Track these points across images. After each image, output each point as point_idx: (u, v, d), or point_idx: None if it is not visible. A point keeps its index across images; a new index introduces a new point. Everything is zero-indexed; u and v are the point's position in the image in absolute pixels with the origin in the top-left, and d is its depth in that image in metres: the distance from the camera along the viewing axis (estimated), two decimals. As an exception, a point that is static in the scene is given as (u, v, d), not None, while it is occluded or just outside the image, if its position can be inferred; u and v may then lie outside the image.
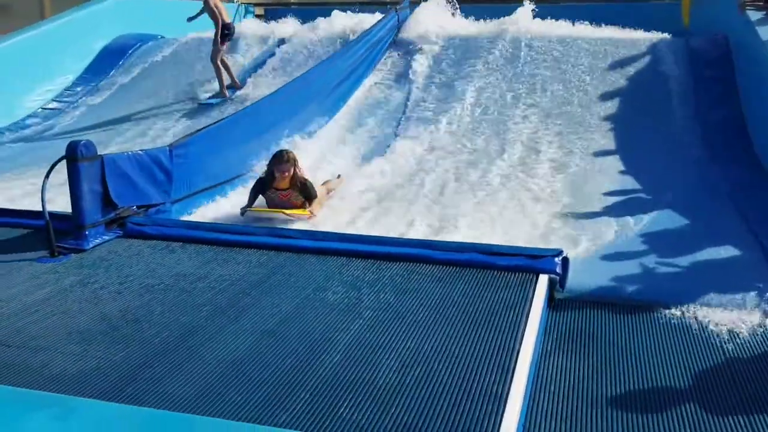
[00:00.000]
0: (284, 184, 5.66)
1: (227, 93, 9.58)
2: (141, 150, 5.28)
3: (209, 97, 9.64)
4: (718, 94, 8.00)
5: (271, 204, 5.71)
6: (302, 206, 5.69)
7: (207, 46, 10.10)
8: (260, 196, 5.77)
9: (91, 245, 4.56)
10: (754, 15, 8.13)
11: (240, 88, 9.79)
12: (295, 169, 5.65)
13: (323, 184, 6.31)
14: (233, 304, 3.60)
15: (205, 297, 3.72)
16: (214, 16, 9.57)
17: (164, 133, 8.51)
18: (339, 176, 6.72)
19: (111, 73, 10.53)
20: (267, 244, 4.50)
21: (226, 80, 9.71)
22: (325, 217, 5.71)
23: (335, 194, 6.27)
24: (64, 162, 4.55)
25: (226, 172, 6.46)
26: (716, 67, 8.49)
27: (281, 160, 5.63)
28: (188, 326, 3.34)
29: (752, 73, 7.69)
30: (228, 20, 9.76)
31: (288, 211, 5.52)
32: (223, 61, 9.69)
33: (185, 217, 5.59)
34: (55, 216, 4.53)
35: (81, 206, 4.56)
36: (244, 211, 5.58)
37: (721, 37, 8.95)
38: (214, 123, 6.51)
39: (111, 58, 10.95)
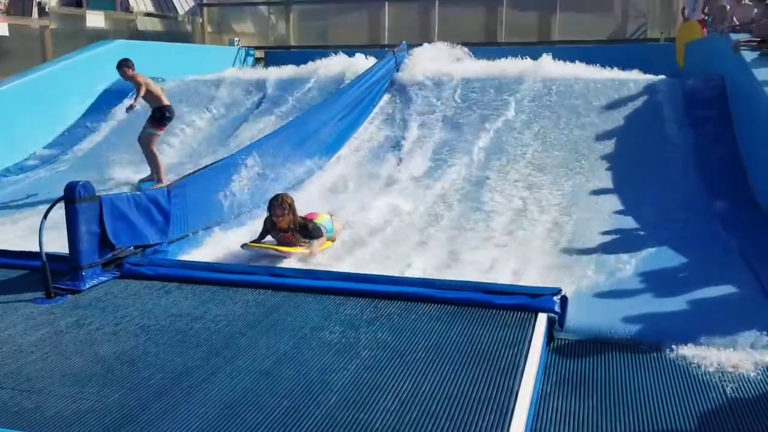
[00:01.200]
0: (284, 226, 5.77)
1: (164, 180, 7.75)
2: (139, 190, 5.30)
3: (143, 180, 8.15)
4: (714, 133, 8.06)
5: (278, 243, 5.82)
6: (299, 245, 5.78)
7: (203, 88, 10.08)
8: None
9: (87, 286, 4.55)
10: (748, 55, 8.22)
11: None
12: (291, 213, 5.75)
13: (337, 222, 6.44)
14: (229, 345, 3.57)
15: (201, 337, 3.69)
16: (149, 96, 8.03)
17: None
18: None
19: (111, 116, 10.58)
20: (264, 283, 4.49)
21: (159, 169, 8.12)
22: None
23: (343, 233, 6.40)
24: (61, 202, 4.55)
25: (225, 212, 6.46)
26: (712, 107, 8.56)
27: (275, 204, 5.76)
28: (183, 367, 3.30)
29: (748, 112, 7.75)
30: (167, 102, 8.16)
31: (283, 249, 5.64)
32: (152, 151, 8.06)
33: (183, 256, 5.58)
34: (52, 257, 4.52)
35: (78, 247, 4.55)
36: (243, 246, 5.69)
37: (717, 77, 9.04)
38: (212, 164, 6.54)
39: (112, 100, 11.03)
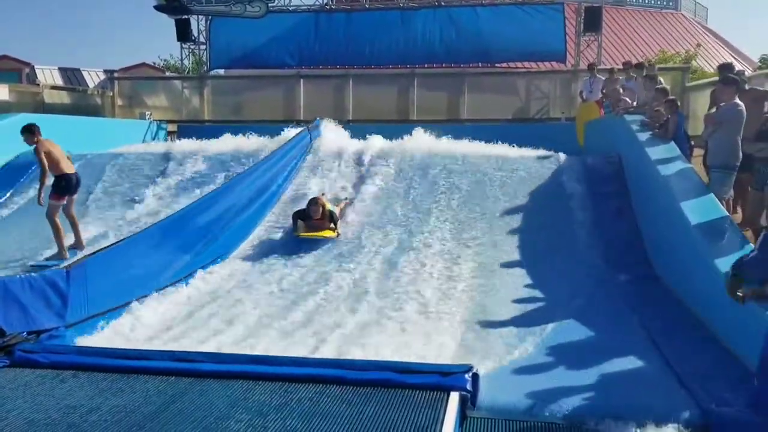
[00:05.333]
0: (318, 216, 8.03)
1: (67, 254, 7.57)
2: (35, 272, 5.02)
3: (45, 259, 7.59)
4: (615, 209, 8.42)
5: (309, 228, 8.03)
6: (330, 229, 8.03)
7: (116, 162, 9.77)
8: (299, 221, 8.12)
9: (-27, 377, 4.21)
10: (642, 135, 8.73)
11: (83, 248, 7.77)
12: (324, 208, 8.06)
13: (337, 205, 8.71)
14: (126, 439, 3.35)
15: (96, 432, 3.45)
16: (42, 164, 7.60)
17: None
18: (345, 199, 9.15)
19: (12, 191, 10.12)
20: (167, 369, 4.27)
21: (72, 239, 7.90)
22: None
23: (343, 213, 8.70)
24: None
25: (130, 292, 6.18)
26: (611, 183, 9.00)
27: (314, 204, 8.09)
28: (74, 466, 3.06)
29: (643, 190, 8.17)
30: (67, 170, 7.79)
31: (324, 234, 7.96)
32: (55, 222, 7.62)
33: (86, 340, 5.26)
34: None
35: (-36, 335, 4.25)
36: (296, 235, 8.01)
37: (615, 155, 9.54)
38: (116, 243, 6.30)
39: (14, 174, 10.58)
